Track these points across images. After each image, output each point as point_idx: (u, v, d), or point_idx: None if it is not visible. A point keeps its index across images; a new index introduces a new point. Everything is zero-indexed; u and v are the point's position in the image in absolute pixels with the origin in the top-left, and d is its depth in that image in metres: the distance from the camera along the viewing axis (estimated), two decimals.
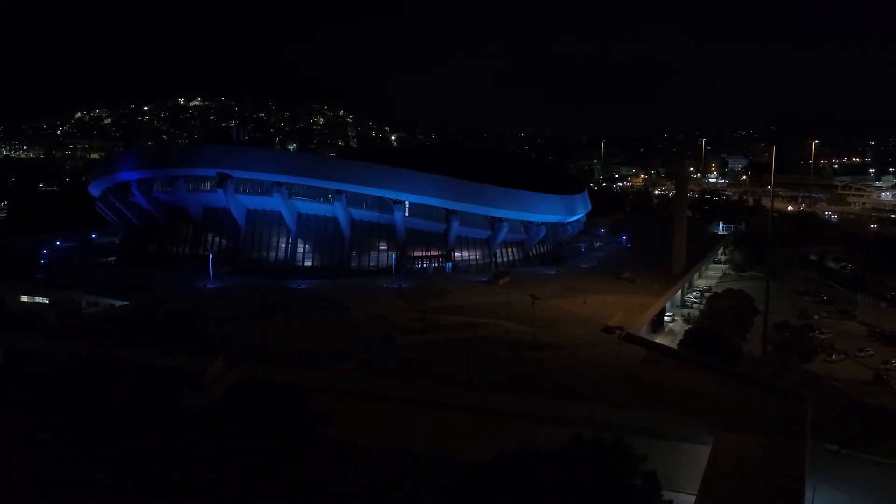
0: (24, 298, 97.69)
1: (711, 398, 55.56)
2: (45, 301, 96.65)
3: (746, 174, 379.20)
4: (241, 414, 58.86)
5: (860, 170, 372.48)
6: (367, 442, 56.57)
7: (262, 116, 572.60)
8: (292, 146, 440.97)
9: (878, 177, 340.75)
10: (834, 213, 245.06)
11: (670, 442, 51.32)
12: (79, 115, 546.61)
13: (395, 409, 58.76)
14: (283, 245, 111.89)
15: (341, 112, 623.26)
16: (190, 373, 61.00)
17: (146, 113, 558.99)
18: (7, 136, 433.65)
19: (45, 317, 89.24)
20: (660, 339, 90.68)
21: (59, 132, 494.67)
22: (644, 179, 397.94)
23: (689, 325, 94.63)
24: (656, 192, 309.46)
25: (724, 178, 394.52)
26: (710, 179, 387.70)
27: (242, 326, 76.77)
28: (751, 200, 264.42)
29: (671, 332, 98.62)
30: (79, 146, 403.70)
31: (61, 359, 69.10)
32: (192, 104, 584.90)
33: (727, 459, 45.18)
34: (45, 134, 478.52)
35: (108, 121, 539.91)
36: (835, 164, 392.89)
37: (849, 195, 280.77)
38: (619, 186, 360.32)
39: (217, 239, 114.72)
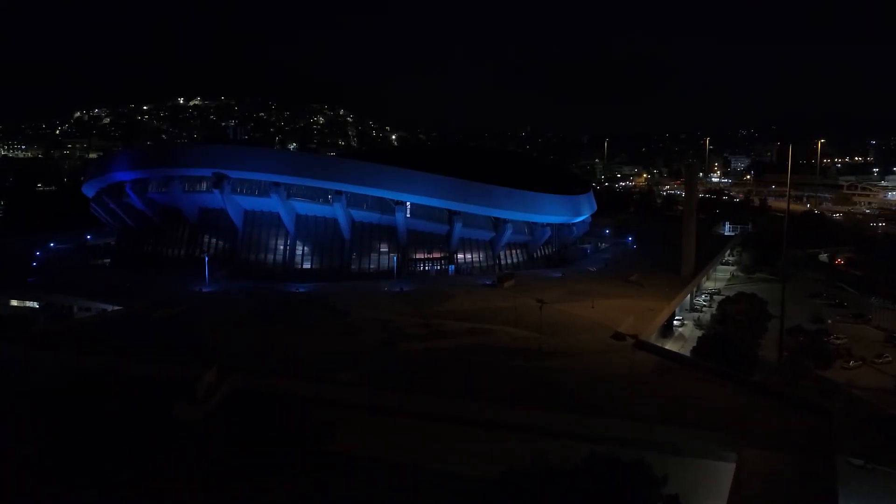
0: (14, 302, 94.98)
1: (731, 411, 52.77)
2: (36, 305, 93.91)
3: (750, 174, 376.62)
4: (236, 426, 56.07)
5: (863, 169, 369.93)
6: (369, 456, 53.84)
7: (262, 116, 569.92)
8: (292, 146, 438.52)
9: (882, 176, 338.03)
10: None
11: (690, 458, 48.42)
12: (78, 114, 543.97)
13: (399, 421, 55.99)
14: (282, 247, 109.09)
15: (341, 111, 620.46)
16: (182, 383, 58.20)
17: (146, 112, 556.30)
18: (6, 135, 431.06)
19: (34, 322, 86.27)
20: (670, 345, 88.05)
21: (57, 132, 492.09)
22: (647, 179, 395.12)
23: (701, 330, 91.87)
24: (662, 193, 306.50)
25: (728, 178, 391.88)
26: (714, 179, 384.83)
27: (238, 333, 73.98)
28: (757, 200, 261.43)
29: (681, 336, 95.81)
30: (77, 146, 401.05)
31: (49, 368, 66.16)
32: (191, 104, 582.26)
33: (753, 479, 42.39)
34: (44, 133, 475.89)
35: (107, 120, 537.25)
36: (838, 163, 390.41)
37: (854, 195, 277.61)
38: (622, 186, 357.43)
39: (213, 241, 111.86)
